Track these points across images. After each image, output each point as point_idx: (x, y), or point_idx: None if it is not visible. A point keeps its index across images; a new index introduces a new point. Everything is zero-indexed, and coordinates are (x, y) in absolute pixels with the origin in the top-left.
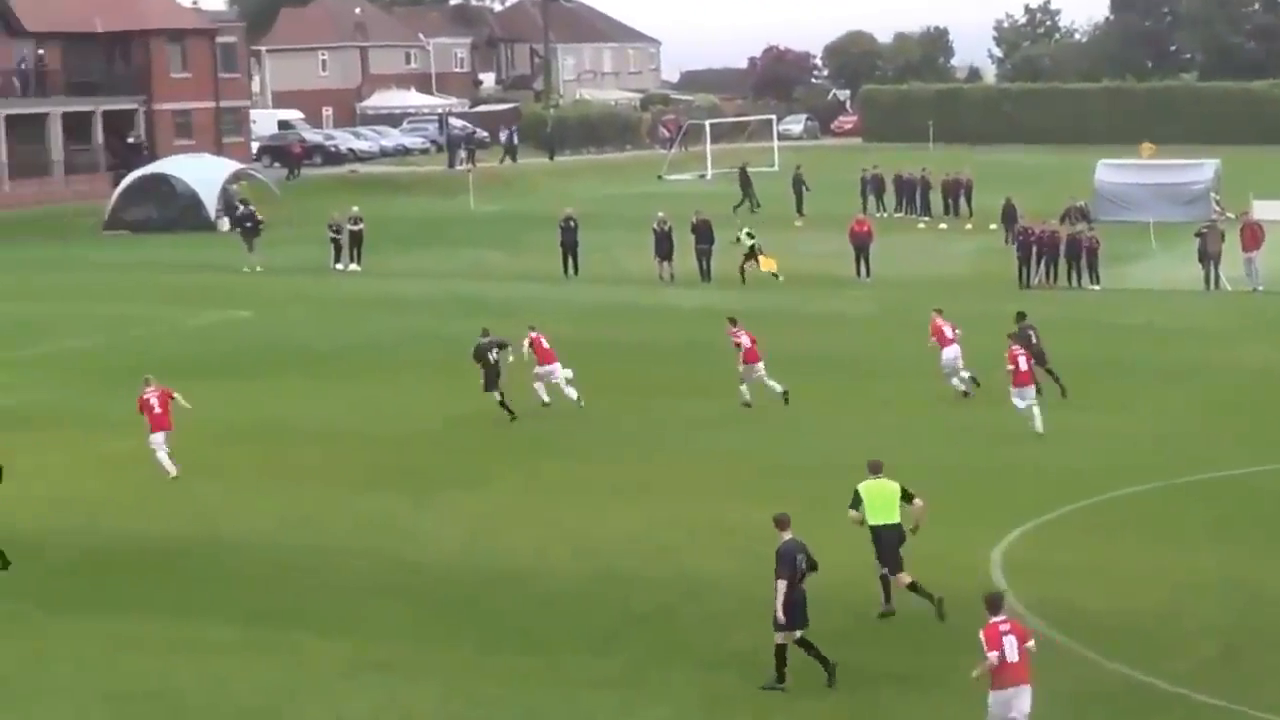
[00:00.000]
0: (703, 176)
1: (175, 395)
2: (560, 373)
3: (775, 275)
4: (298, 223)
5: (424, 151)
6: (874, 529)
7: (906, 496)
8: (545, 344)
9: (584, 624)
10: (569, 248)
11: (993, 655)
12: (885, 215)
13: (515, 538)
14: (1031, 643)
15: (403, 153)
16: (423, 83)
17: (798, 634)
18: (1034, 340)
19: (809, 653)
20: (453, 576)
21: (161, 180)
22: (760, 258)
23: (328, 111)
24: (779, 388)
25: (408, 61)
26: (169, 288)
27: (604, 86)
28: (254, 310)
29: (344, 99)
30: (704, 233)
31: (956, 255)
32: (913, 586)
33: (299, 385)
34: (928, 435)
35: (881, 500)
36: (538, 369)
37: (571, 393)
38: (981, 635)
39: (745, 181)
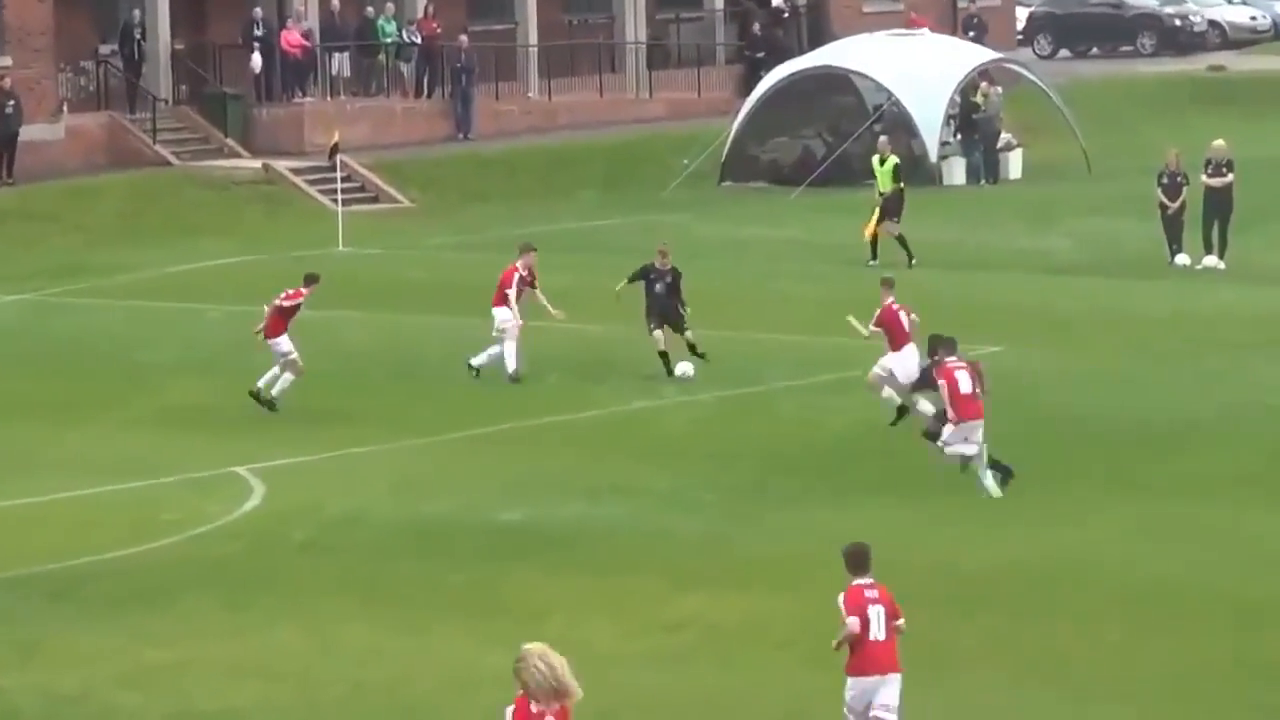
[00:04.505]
0: None
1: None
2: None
3: None
4: (1109, 173)
5: None
6: None
7: None
8: None
9: None
10: None
11: (852, 621)
12: None
13: None
14: (901, 621)
15: None
16: None
17: None
18: None
19: None
20: None
21: (835, 83)
22: None
23: None
24: None
25: None
26: (841, 296)
27: None
28: (1008, 344)
29: None
30: None
31: None
32: None
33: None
34: None
35: None
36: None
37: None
38: (840, 599)
39: None
